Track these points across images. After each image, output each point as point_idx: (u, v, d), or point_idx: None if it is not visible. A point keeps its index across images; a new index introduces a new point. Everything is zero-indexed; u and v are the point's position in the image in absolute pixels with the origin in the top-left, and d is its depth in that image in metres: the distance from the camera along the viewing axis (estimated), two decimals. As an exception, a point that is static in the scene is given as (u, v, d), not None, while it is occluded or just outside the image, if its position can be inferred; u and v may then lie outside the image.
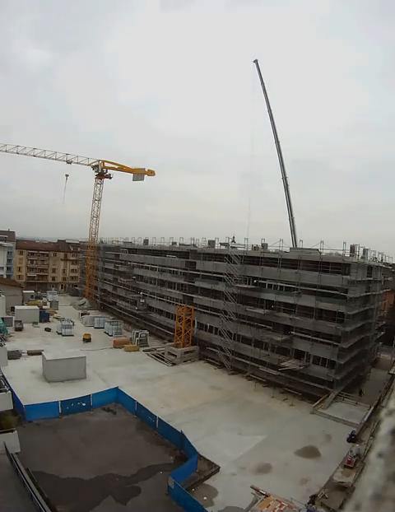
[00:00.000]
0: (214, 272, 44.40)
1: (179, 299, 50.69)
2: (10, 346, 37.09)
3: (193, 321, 46.82)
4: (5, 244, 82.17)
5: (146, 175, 79.59)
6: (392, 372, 24.03)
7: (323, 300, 33.44)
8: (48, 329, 55.08)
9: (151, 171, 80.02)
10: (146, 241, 64.32)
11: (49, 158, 72.76)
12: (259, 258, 39.47)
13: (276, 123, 56.30)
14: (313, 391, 33.82)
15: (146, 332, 52.89)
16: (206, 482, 21.04)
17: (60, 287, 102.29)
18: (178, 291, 51.17)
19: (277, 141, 56.31)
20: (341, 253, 33.59)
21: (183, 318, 45.34)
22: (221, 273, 42.77)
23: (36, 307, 63.29)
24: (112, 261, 73.38)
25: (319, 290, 33.43)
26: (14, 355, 38.21)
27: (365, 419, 28.47)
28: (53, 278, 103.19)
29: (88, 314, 65.71)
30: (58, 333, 53.47)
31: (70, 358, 36.29)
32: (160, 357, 45.64)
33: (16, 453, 20.59)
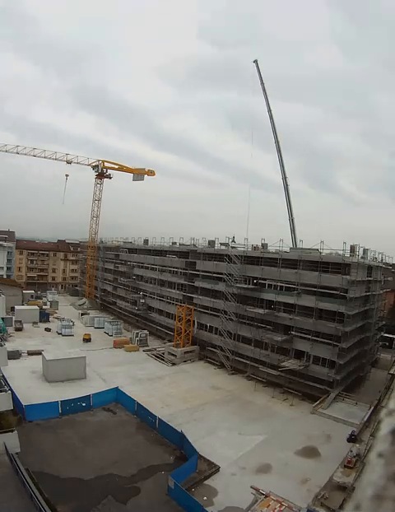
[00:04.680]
0: (214, 272, 44.39)
1: (179, 299, 50.68)
2: (10, 346, 37.22)
3: (193, 321, 46.82)
4: (5, 244, 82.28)
5: (146, 175, 79.70)
6: (392, 372, 24.01)
7: (323, 300, 33.43)
8: (48, 329, 55.08)
9: (151, 171, 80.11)
10: (146, 241, 64.37)
11: (49, 158, 72.91)
12: (259, 258, 39.48)
13: (275, 124, 56.48)
14: (313, 391, 33.82)
15: (146, 332, 52.90)
16: (206, 482, 21.03)
17: (60, 287, 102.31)
18: (178, 291, 51.16)
19: (277, 142, 56.35)
20: (341, 253, 33.64)
21: (183, 318, 45.33)
22: (221, 273, 42.76)
23: (36, 307, 63.28)
24: (112, 261, 73.40)
25: (319, 290, 33.43)
26: (14, 355, 38.24)
27: (365, 419, 28.45)
28: (53, 278, 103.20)
29: (88, 314, 65.71)
30: (58, 333, 53.48)
31: (70, 358, 36.28)
32: (160, 357, 45.64)
33: (16, 453, 20.63)
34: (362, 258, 37.34)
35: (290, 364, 34.48)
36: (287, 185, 56.13)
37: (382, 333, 47.24)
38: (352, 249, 34.35)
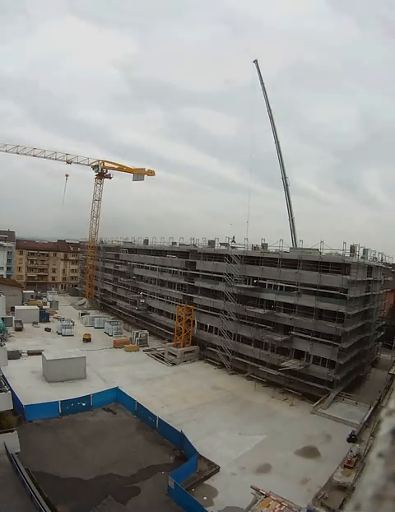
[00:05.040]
0: (214, 272, 44.38)
1: (179, 299, 50.68)
2: (10, 346, 37.23)
3: (193, 321, 46.82)
4: (5, 244, 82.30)
5: (146, 175, 79.71)
6: (392, 372, 24.02)
7: (323, 300, 33.43)
8: (48, 329, 55.07)
9: (151, 171, 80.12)
10: (146, 241, 64.37)
11: (49, 158, 72.91)
12: (259, 258, 39.47)
13: (275, 124, 56.52)
14: (313, 391, 33.81)
15: (146, 332, 52.89)
16: (206, 482, 21.03)
17: (60, 287, 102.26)
18: (178, 291, 51.16)
19: (277, 142, 56.36)
20: (341, 253, 33.64)
21: (183, 318, 45.33)
22: (221, 273, 42.75)
23: (36, 307, 63.25)
24: (112, 261, 73.39)
25: (319, 290, 33.42)
26: (14, 355, 38.22)
27: (365, 419, 28.45)
28: (53, 278, 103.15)
29: (88, 314, 65.70)
30: (58, 333, 53.46)
31: (70, 358, 36.27)
32: (160, 357, 45.64)
33: (16, 453, 20.63)
34: (362, 258, 37.34)
35: (290, 364, 34.47)
36: (287, 185, 56.16)
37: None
38: (352, 249, 34.37)
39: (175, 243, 56.63)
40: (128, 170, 78.90)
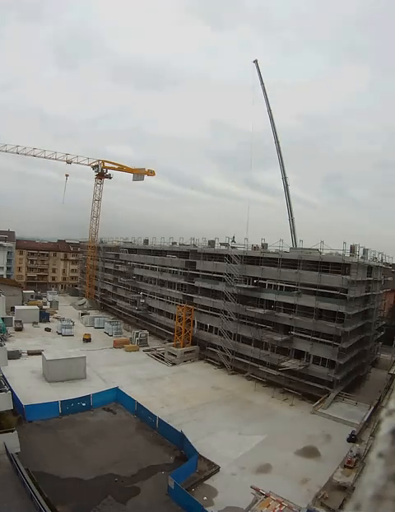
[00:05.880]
0: (214, 272, 44.38)
1: (179, 299, 50.68)
2: (10, 346, 37.27)
3: (193, 321, 46.82)
4: (5, 244, 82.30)
5: (146, 175, 79.69)
6: (392, 372, 24.03)
7: (323, 300, 33.43)
8: (48, 329, 55.08)
9: (151, 171, 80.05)
10: (146, 241, 64.40)
11: (49, 158, 72.90)
12: (259, 258, 39.48)
13: (275, 124, 56.53)
14: (313, 391, 33.81)
15: (146, 332, 52.90)
16: (206, 482, 21.03)
17: (60, 287, 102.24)
18: (178, 291, 51.16)
19: (277, 142, 56.38)
20: (341, 253, 33.65)
21: (183, 318, 45.33)
22: (221, 273, 42.76)
23: (36, 307, 63.24)
24: (112, 261, 73.39)
25: (319, 290, 33.43)
26: (14, 355, 38.23)
27: (365, 419, 28.45)
28: (53, 278, 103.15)
29: (88, 314, 65.70)
30: (58, 333, 53.46)
31: (70, 358, 36.27)
32: (160, 357, 45.64)
33: (16, 453, 20.63)
34: (362, 258, 37.36)
35: (290, 364, 34.47)
36: (287, 185, 56.19)
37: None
38: (352, 249, 34.38)
39: (175, 243, 56.63)
40: (128, 170, 78.85)
